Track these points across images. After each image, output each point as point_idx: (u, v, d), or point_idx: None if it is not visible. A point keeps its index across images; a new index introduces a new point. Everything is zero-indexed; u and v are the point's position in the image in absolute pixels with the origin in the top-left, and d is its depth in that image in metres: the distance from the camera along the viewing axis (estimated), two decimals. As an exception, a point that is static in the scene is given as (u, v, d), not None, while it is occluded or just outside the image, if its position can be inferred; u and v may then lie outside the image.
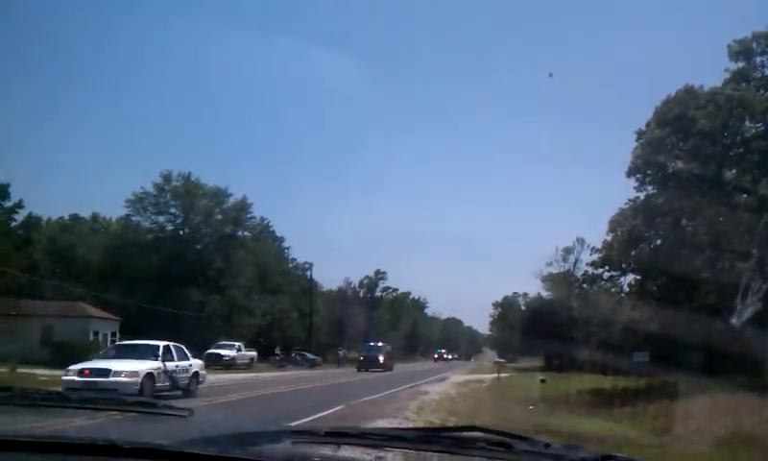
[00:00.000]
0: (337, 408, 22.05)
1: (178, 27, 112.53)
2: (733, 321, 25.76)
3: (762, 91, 30.82)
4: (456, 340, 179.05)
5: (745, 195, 29.77)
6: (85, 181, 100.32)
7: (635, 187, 33.70)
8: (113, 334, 51.89)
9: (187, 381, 26.12)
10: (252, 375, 46.20)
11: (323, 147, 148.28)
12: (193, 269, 64.43)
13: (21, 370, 33.39)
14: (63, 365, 39.29)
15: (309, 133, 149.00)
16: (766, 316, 25.08)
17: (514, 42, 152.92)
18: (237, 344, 56.80)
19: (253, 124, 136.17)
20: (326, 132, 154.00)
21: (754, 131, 30.57)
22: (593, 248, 38.02)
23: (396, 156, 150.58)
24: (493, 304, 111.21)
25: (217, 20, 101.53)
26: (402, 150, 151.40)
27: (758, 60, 31.31)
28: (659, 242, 32.68)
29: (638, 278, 35.68)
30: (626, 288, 37.50)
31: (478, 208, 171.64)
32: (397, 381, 40.71)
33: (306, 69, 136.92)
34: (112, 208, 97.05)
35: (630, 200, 34.24)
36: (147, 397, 18.97)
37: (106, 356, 26.59)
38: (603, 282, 37.22)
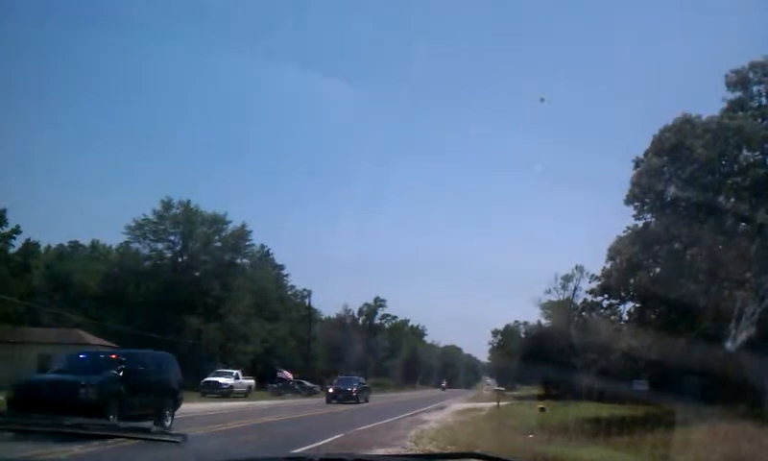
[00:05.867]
0: (335, 437, 21.94)
1: (175, 52, 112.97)
2: (728, 345, 25.72)
3: (759, 120, 31.01)
4: (455, 368, 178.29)
5: (743, 223, 29.81)
6: (84, 208, 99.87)
7: (633, 215, 33.87)
8: (111, 362, 51.60)
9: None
10: (250, 403, 45.92)
11: (321, 173, 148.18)
12: (191, 296, 64.25)
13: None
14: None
15: (308, 159, 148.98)
16: (760, 341, 25.06)
17: (511, 65, 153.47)
18: (235, 371, 56.47)
19: (253, 151, 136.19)
20: (324, 157, 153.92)
21: (751, 159, 30.70)
22: (592, 275, 38.14)
23: (394, 181, 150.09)
24: (493, 332, 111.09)
25: (214, 46, 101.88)
26: (399, 175, 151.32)
27: (755, 89, 31.56)
28: (657, 270, 32.69)
29: (638, 305, 35.62)
30: (625, 316, 37.43)
31: (477, 235, 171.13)
32: (394, 411, 40.56)
33: (305, 93, 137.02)
34: (112, 235, 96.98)
35: (628, 227, 34.38)
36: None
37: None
38: (602, 310, 37.16)
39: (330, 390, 50.97)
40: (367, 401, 50.53)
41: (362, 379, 58.00)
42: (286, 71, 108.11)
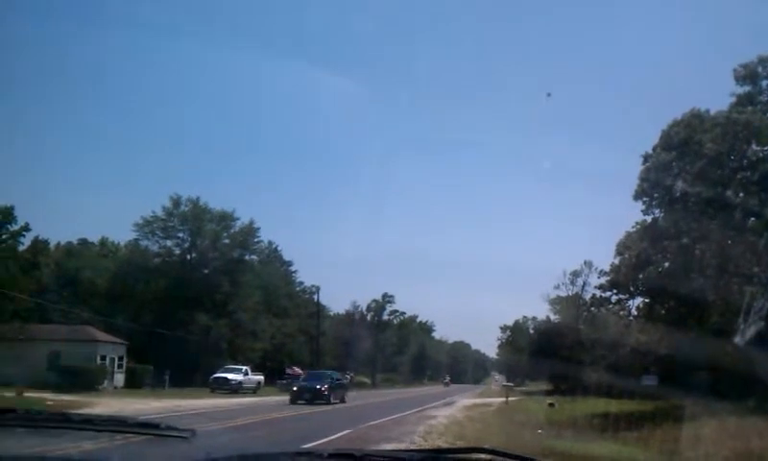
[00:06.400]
0: (344, 432, 21.99)
1: (183, 50, 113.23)
2: (737, 340, 25.65)
3: (768, 114, 30.86)
4: (464, 364, 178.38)
5: (752, 218, 29.70)
6: (93, 206, 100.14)
7: (642, 210, 33.80)
8: (120, 358, 51.84)
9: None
10: (260, 399, 46.04)
11: (329, 170, 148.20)
12: (200, 293, 64.38)
13: (28, 394, 33.37)
14: (71, 389, 39.56)
15: (316, 156, 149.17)
16: None
17: (519, 62, 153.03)
18: (244, 368, 56.54)
19: (261, 148, 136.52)
20: (333, 154, 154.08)
21: (760, 154, 30.56)
22: (601, 271, 38.11)
23: (402, 178, 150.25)
24: (501, 328, 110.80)
25: (221, 44, 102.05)
26: (408, 172, 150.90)
27: (764, 83, 31.40)
28: (666, 265, 32.62)
29: (647, 300, 35.57)
30: (634, 311, 37.42)
31: (486, 230, 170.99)
32: (401, 407, 40.61)
33: (312, 91, 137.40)
34: (121, 233, 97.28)
35: (637, 223, 34.33)
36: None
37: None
38: (611, 305, 37.15)
39: (294, 388, 42.24)
40: (343, 402, 43.05)
41: (337, 374, 49.32)
42: (294, 69, 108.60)
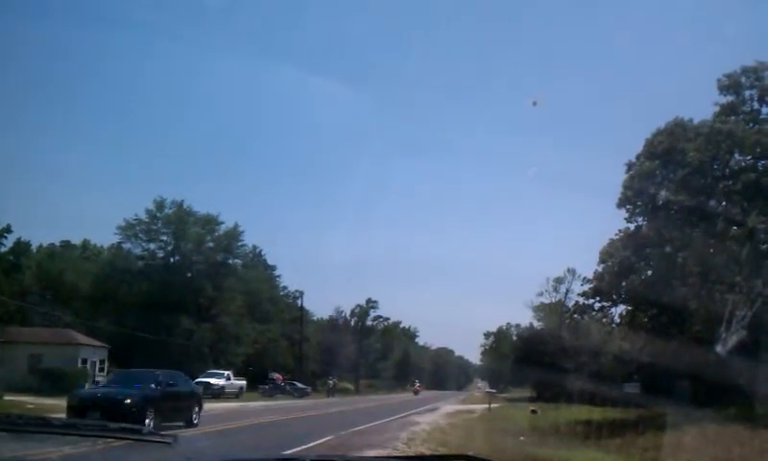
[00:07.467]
0: (326, 438, 21.92)
1: (170, 53, 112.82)
2: (719, 348, 25.85)
3: (751, 124, 31.09)
4: (447, 370, 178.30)
5: (734, 227, 29.90)
6: (76, 208, 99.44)
7: (625, 218, 33.93)
8: (102, 362, 51.46)
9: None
10: (242, 404, 45.83)
11: (315, 174, 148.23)
12: (183, 297, 64.01)
13: (8, 397, 33.07)
14: (51, 393, 39.18)
15: (302, 160, 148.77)
16: (750, 344, 25.18)
17: (507, 67, 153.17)
18: (226, 372, 56.30)
19: (247, 152, 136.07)
20: (318, 159, 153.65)
21: (743, 163, 30.79)
22: (584, 278, 38.21)
23: (388, 183, 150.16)
24: (485, 334, 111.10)
25: (209, 47, 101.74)
26: (393, 177, 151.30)
27: (747, 93, 31.65)
28: (649, 273, 32.78)
29: (629, 308, 35.71)
30: (617, 319, 37.55)
31: (470, 237, 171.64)
32: (385, 413, 40.54)
33: (298, 94, 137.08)
34: (104, 235, 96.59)
35: (620, 231, 34.43)
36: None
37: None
38: (594, 313, 37.24)
39: (78, 397, 24.19)
40: (191, 425, 24.70)
41: (171, 376, 26.63)
42: (282, 72, 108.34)
